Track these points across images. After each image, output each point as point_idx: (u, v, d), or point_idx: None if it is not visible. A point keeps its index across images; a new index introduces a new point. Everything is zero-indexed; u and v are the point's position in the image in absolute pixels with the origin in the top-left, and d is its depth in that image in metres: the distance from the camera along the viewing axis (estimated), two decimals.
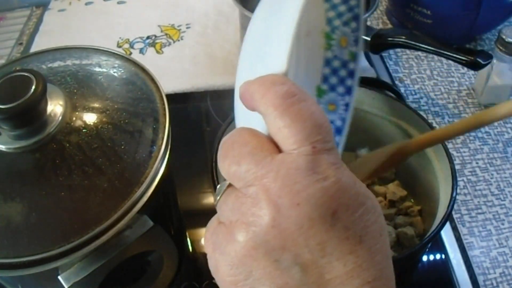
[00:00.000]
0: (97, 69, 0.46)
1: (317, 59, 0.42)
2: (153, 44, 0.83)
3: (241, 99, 0.27)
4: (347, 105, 0.43)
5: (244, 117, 0.29)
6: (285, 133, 0.24)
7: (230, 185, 0.26)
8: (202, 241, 0.57)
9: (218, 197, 0.26)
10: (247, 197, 0.24)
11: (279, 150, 0.24)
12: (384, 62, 0.79)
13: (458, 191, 0.61)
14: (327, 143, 0.24)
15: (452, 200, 0.44)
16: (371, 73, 0.75)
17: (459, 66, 0.76)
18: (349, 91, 0.43)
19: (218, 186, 0.27)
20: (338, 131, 0.43)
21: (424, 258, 0.56)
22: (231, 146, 0.25)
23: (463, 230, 0.58)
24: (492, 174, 0.64)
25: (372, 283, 0.23)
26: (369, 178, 0.48)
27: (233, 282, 0.24)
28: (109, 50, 0.48)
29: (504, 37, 0.64)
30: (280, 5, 0.29)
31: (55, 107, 0.40)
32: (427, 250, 0.54)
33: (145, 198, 0.38)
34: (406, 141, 0.44)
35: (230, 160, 0.25)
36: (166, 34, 0.85)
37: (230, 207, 0.25)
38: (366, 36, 0.69)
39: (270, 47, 0.28)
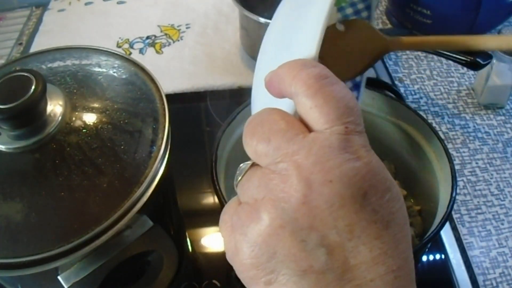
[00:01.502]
0: (97, 69, 0.46)
1: None
2: (152, 44, 0.83)
3: (268, 86, 0.27)
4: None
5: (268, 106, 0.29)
6: (317, 113, 0.24)
7: (254, 164, 0.25)
8: (202, 241, 0.57)
9: (240, 177, 0.26)
10: (276, 173, 0.23)
11: (309, 130, 0.24)
12: (383, 62, 0.79)
13: (458, 191, 0.61)
14: (358, 125, 0.24)
15: (452, 200, 0.44)
16: (371, 73, 0.75)
17: (459, 66, 0.76)
18: (357, 86, 0.43)
19: (240, 166, 0.26)
20: None
21: (424, 258, 0.56)
22: (260, 124, 0.25)
23: (463, 230, 0.58)
24: (491, 174, 0.64)
25: (396, 272, 0.23)
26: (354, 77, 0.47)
27: (254, 264, 0.24)
28: (109, 50, 0.48)
29: None
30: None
31: (55, 107, 0.39)
32: (427, 250, 0.54)
33: (144, 198, 0.38)
34: (391, 39, 0.44)
35: (258, 137, 0.24)
36: (165, 34, 0.85)
37: (255, 184, 0.24)
38: None
39: (298, 35, 0.28)
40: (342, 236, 0.23)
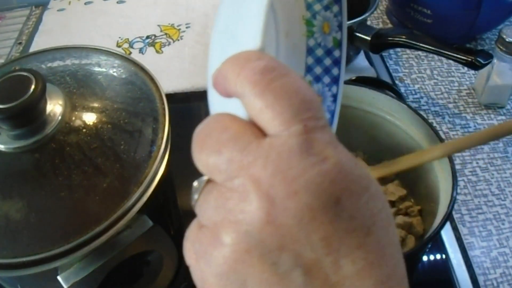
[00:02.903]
0: (97, 68, 0.46)
1: (299, 49, 0.39)
2: (152, 44, 0.83)
3: (214, 86, 0.23)
4: (334, 96, 0.40)
5: (221, 110, 0.25)
6: (269, 113, 0.20)
7: (209, 180, 0.22)
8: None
9: (196, 197, 0.23)
10: (233, 191, 0.20)
11: (265, 135, 0.21)
12: (384, 62, 0.79)
13: (459, 191, 0.61)
14: (319, 120, 0.21)
15: (452, 200, 0.44)
16: (371, 73, 0.75)
17: (460, 66, 0.76)
18: (335, 80, 0.40)
19: (194, 184, 0.23)
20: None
21: (424, 258, 0.55)
22: (208, 134, 0.22)
23: (463, 230, 0.58)
24: (492, 174, 0.63)
25: (386, 283, 0.20)
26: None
27: None
28: (109, 49, 0.48)
29: (504, 36, 0.64)
30: None
31: (55, 106, 0.39)
32: (427, 250, 0.54)
33: (144, 198, 0.38)
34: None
35: (208, 149, 0.21)
36: (165, 34, 0.85)
37: (212, 205, 0.21)
38: (367, 35, 0.69)
39: (241, 28, 0.26)
40: (318, 252, 0.20)
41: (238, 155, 0.20)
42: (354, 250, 0.20)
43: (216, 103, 0.27)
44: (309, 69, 0.40)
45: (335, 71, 0.40)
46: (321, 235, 0.19)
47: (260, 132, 0.21)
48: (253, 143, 0.20)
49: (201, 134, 0.22)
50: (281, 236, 0.19)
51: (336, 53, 0.39)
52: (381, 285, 0.20)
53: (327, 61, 0.40)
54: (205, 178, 0.22)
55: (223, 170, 0.21)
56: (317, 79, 0.40)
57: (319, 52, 0.40)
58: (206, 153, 0.21)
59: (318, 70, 0.40)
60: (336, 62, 0.40)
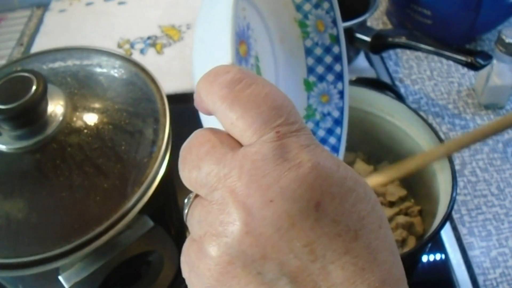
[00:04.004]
0: (98, 69, 0.46)
1: (297, 52, 0.39)
2: (153, 45, 0.83)
3: (196, 105, 0.24)
4: (341, 92, 0.40)
5: (209, 124, 0.26)
6: (240, 126, 0.20)
7: (196, 195, 0.22)
8: None
9: (186, 211, 0.23)
10: (213, 203, 0.20)
11: (241, 146, 0.21)
12: (384, 63, 0.79)
13: (458, 191, 0.61)
14: (292, 124, 0.20)
15: (452, 200, 0.44)
16: (371, 74, 0.75)
17: (459, 67, 0.76)
18: (339, 77, 0.40)
19: (185, 200, 0.23)
20: (337, 122, 0.40)
21: (424, 258, 0.56)
22: (189, 150, 0.22)
23: (463, 230, 0.58)
24: (492, 175, 0.64)
25: None
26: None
27: None
28: (110, 50, 0.48)
29: (504, 37, 0.64)
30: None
31: (56, 107, 0.40)
32: (427, 250, 0.54)
33: (145, 199, 0.38)
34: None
35: (189, 165, 0.21)
36: (166, 35, 0.85)
37: (197, 219, 0.21)
38: (367, 36, 0.69)
39: (213, 41, 0.26)
40: (302, 259, 0.19)
41: (215, 168, 0.20)
42: (341, 256, 0.19)
43: (205, 119, 0.27)
44: (311, 70, 0.40)
45: (337, 67, 0.40)
46: (304, 241, 0.19)
47: (236, 143, 0.21)
48: (228, 155, 0.20)
49: (183, 151, 0.22)
50: (262, 245, 0.19)
51: (335, 49, 0.39)
52: None
53: (328, 59, 0.39)
54: (192, 194, 0.23)
55: (204, 184, 0.21)
56: (321, 78, 0.40)
57: (318, 51, 0.39)
58: (188, 169, 0.22)
59: (320, 69, 0.40)
60: (337, 58, 0.39)
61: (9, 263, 0.35)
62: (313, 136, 0.21)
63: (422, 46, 0.65)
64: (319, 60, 0.40)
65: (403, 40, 0.67)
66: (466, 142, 0.45)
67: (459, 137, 0.45)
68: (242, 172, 0.20)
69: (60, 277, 0.37)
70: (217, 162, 0.20)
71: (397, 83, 0.75)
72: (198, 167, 0.21)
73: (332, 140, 0.40)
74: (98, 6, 0.92)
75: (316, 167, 0.19)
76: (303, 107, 0.40)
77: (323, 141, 0.40)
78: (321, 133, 0.40)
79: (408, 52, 0.81)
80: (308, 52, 0.40)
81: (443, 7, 0.75)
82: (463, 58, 0.62)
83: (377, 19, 0.88)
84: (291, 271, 0.19)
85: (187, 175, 0.22)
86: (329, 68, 0.40)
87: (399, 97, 0.66)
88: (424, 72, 0.78)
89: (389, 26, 0.86)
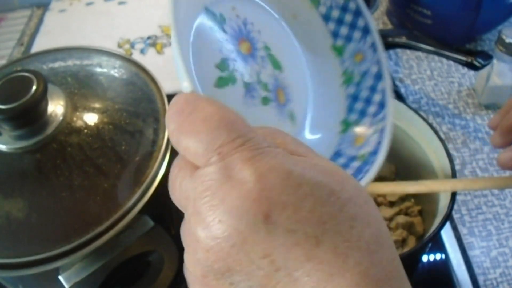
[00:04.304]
0: (98, 69, 0.46)
1: (315, 22, 0.39)
2: (153, 45, 0.83)
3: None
4: (373, 45, 0.39)
5: None
6: (189, 154, 0.22)
7: None
8: None
9: None
10: (186, 223, 0.22)
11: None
12: None
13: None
14: (234, 140, 0.21)
15: (452, 200, 0.44)
16: None
17: (460, 67, 0.76)
18: (366, 30, 0.39)
19: None
20: (378, 77, 0.39)
21: (424, 258, 0.56)
22: (171, 175, 0.24)
23: (463, 230, 0.58)
24: (492, 174, 0.64)
25: None
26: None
27: None
28: (110, 50, 0.48)
29: (504, 37, 0.64)
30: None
31: (56, 107, 0.40)
32: (427, 250, 0.54)
33: (145, 198, 0.38)
34: None
35: (170, 188, 0.24)
36: (167, 34, 0.85)
37: (183, 238, 0.23)
38: None
39: (177, 68, 0.28)
40: (265, 269, 0.19)
41: (181, 191, 0.22)
42: (304, 263, 0.19)
43: None
44: (335, 34, 0.39)
45: (360, 22, 0.39)
46: (260, 254, 0.19)
47: (195, 166, 0.22)
48: (186, 179, 0.22)
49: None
50: (224, 260, 0.20)
51: (352, 5, 0.39)
52: None
53: (348, 17, 0.39)
54: None
55: (180, 206, 0.23)
56: (348, 38, 0.39)
57: (335, 13, 0.39)
58: (170, 191, 0.24)
59: (343, 30, 0.39)
60: (357, 13, 0.39)
61: (9, 263, 0.35)
62: (260, 144, 0.21)
63: (422, 46, 0.65)
64: (339, 22, 0.39)
65: (403, 40, 0.67)
66: (475, 187, 0.46)
67: (470, 179, 0.47)
68: (196, 193, 0.21)
69: (60, 277, 0.37)
70: (180, 185, 0.23)
71: (397, 83, 0.75)
72: (173, 189, 0.24)
73: (377, 96, 0.38)
74: (98, 6, 0.92)
75: (260, 180, 0.20)
76: (339, 74, 0.39)
77: (367, 100, 0.39)
78: (364, 93, 0.39)
79: (408, 52, 0.81)
80: (326, 18, 0.39)
81: (443, 7, 0.75)
82: (463, 58, 0.62)
83: (377, 19, 0.88)
84: (259, 280, 0.20)
85: (172, 197, 0.24)
86: (352, 26, 0.39)
87: (399, 97, 0.66)
88: (424, 72, 0.78)
89: (389, 26, 0.86)
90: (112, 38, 0.84)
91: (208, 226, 0.20)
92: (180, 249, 0.44)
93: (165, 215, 0.49)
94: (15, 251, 0.35)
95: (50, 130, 0.38)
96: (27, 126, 0.38)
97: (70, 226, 0.36)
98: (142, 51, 0.82)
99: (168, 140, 0.42)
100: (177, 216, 0.55)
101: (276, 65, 0.37)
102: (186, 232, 0.22)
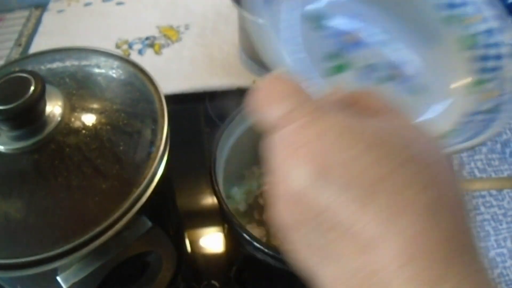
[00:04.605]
0: (96, 70, 0.46)
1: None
2: (151, 45, 0.83)
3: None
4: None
5: None
6: (270, 119, 0.25)
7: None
8: (201, 242, 0.57)
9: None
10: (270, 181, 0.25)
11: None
12: None
13: None
14: (302, 105, 0.24)
15: None
16: None
17: None
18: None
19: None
20: (500, 30, 0.39)
21: None
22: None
23: None
24: (490, 175, 0.64)
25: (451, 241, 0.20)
26: None
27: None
28: (108, 51, 0.48)
29: None
30: None
31: (54, 108, 0.40)
32: None
33: (143, 199, 0.38)
34: None
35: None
36: (164, 35, 0.85)
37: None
38: None
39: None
40: (324, 224, 0.21)
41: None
42: (355, 222, 0.20)
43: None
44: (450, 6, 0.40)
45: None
46: (317, 210, 0.21)
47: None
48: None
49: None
50: (291, 214, 0.22)
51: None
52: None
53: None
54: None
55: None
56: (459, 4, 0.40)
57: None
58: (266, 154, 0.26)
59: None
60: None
61: (7, 264, 0.35)
62: (322, 108, 0.24)
63: None
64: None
65: None
66: (473, 187, 0.46)
67: (468, 180, 0.46)
68: (272, 153, 0.24)
69: (58, 278, 0.37)
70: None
71: None
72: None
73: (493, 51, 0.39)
74: (96, 7, 0.92)
75: (319, 138, 0.22)
76: (454, 40, 0.40)
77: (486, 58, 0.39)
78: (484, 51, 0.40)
79: None
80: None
81: None
82: None
83: None
84: (323, 233, 0.21)
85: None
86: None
87: None
88: None
89: None
90: (110, 39, 0.84)
91: (277, 183, 0.22)
92: (178, 250, 0.44)
93: (163, 216, 0.49)
94: (13, 251, 0.35)
95: (48, 130, 0.38)
96: (25, 127, 0.38)
97: (68, 226, 0.36)
98: (140, 52, 0.82)
99: (166, 140, 0.42)
100: (175, 217, 0.55)
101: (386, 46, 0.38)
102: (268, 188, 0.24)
